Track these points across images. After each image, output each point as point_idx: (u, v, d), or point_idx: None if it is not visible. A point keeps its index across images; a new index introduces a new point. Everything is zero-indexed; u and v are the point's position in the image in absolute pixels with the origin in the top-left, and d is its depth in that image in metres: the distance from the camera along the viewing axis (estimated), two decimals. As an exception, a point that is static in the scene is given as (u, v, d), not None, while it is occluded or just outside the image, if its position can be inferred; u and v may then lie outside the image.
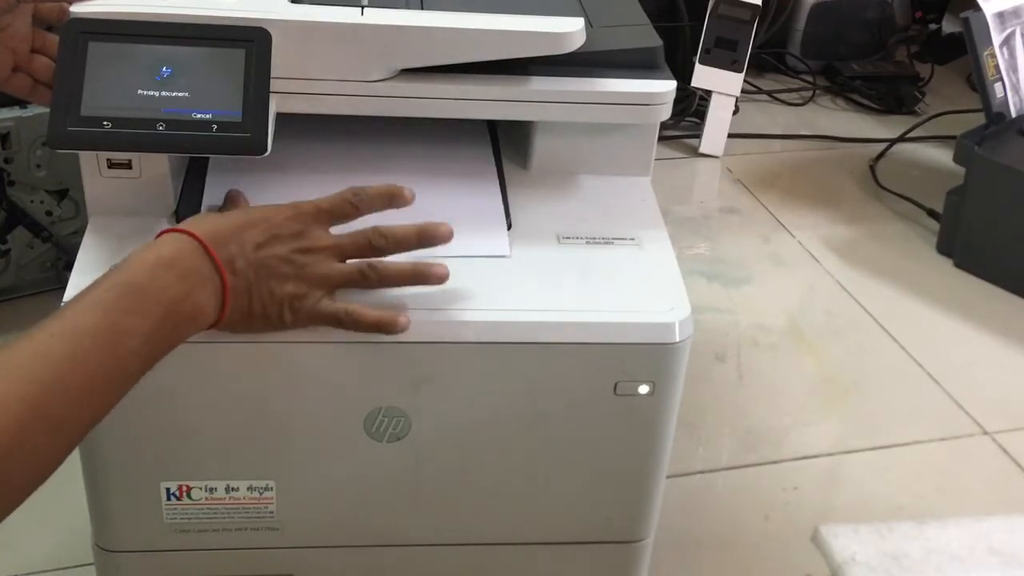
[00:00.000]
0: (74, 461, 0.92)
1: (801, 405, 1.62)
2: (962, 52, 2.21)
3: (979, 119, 1.97)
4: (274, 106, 0.89)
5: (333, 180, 0.91)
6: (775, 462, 1.50)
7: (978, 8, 1.93)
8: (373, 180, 0.93)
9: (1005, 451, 1.54)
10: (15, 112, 1.54)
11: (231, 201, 0.93)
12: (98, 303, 0.72)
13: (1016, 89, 1.98)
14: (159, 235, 0.80)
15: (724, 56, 2.27)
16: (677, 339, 0.90)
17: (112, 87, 0.86)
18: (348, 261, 0.86)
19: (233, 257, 0.80)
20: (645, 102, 0.97)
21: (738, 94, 2.31)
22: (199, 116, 0.86)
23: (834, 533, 1.00)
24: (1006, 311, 1.85)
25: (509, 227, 0.97)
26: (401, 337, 0.86)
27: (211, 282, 0.79)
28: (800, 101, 2.60)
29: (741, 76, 2.28)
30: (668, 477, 1.01)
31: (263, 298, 0.81)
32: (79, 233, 0.99)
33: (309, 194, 0.94)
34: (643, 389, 0.92)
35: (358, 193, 0.86)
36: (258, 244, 0.81)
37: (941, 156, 2.29)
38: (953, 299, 1.87)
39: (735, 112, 2.34)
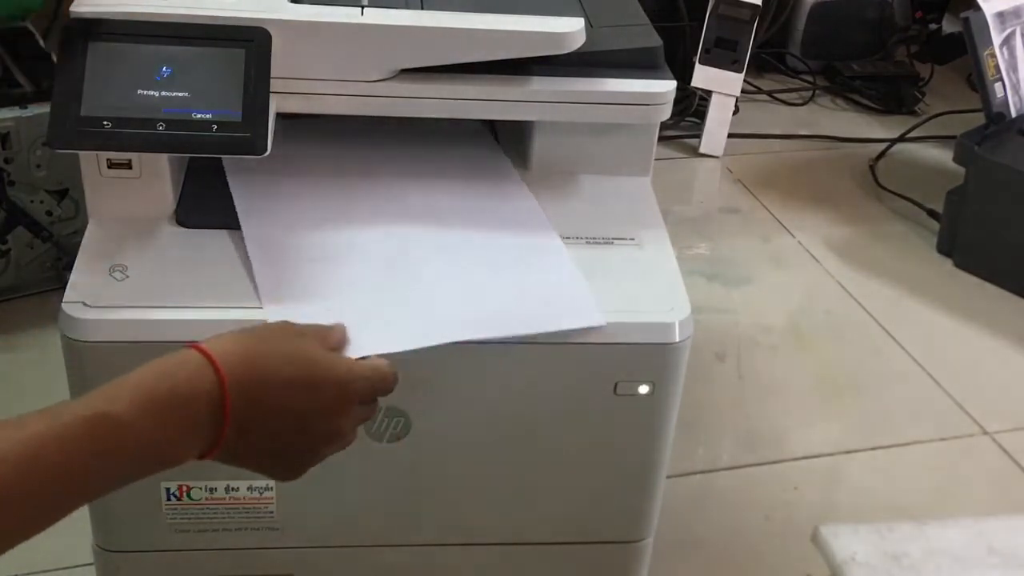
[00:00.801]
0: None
1: (801, 405, 1.62)
2: (962, 52, 2.21)
3: (979, 119, 1.97)
4: (274, 106, 0.89)
5: (356, 184, 0.95)
6: (775, 462, 1.50)
7: (978, 8, 1.93)
8: (397, 186, 0.98)
9: (1005, 451, 1.54)
10: (15, 112, 1.55)
11: (332, 336, 0.79)
12: (70, 432, 0.62)
13: (1016, 89, 1.98)
14: (192, 345, 0.69)
15: (724, 56, 2.27)
16: (677, 339, 0.90)
17: (112, 87, 0.86)
18: None
19: (251, 419, 0.69)
20: (645, 102, 0.97)
21: (738, 94, 2.31)
22: (199, 116, 0.86)
23: (834, 533, 0.99)
24: (1006, 311, 1.85)
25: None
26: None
27: (205, 437, 0.68)
28: (800, 101, 2.61)
29: (741, 76, 2.28)
30: (668, 477, 1.01)
31: (250, 456, 0.72)
32: (79, 233, 0.98)
33: (333, 197, 0.97)
34: (643, 389, 0.92)
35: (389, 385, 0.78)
36: (296, 415, 0.71)
37: (941, 156, 2.29)
38: (953, 299, 1.87)
39: (735, 112, 2.34)
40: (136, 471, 0.66)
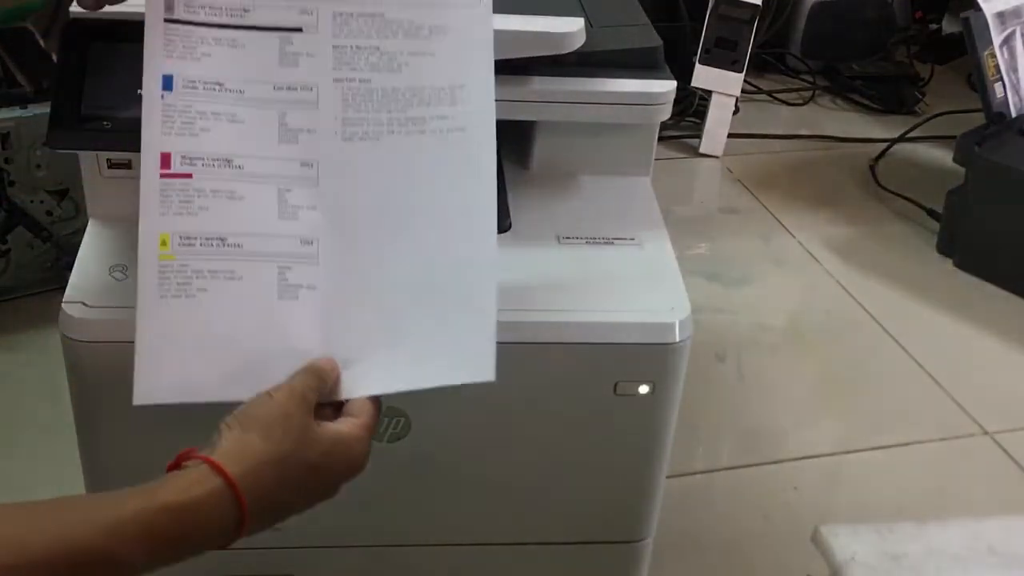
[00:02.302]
0: (74, 461, 0.93)
1: (801, 405, 1.62)
2: (962, 52, 2.21)
3: (979, 119, 1.97)
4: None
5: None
6: (775, 462, 1.50)
7: (978, 8, 1.93)
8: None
9: (1005, 451, 1.54)
10: (15, 112, 1.55)
11: (328, 387, 0.76)
12: (69, 567, 0.59)
13: (1016, 89, 1.98)
14: (215, 468, 0.66)
15: (724, 56, 2.27)
16: (677, 339, 0.90)
17: (112, 87, 0.86)
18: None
19: (267, 516, 0.70)
20: (645, 102, 0.97)
21: (738, 94, 2.31)
22: (199, 116, 0.85)
23: (834, 533, 0.99)
24: (1006, 311, 1.85)
25: (509, 228, 0.97)
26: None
27: (218, 546, 0.68)
28: (800, 101, 2.60)
29: (741, 76, 2.28)
30: (668, 477, 1.01)
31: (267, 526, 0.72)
32: (79, 233, 0.98)
33: None
34: (643, 389, 0.92)
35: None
36: (316, 495, 0.73)
37: (941, 156, 2.29)
38: (953, 299, 1.87)
39: (735, 112, 2.34)
40: None
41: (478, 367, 0.80)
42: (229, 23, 0.79)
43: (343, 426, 0.74)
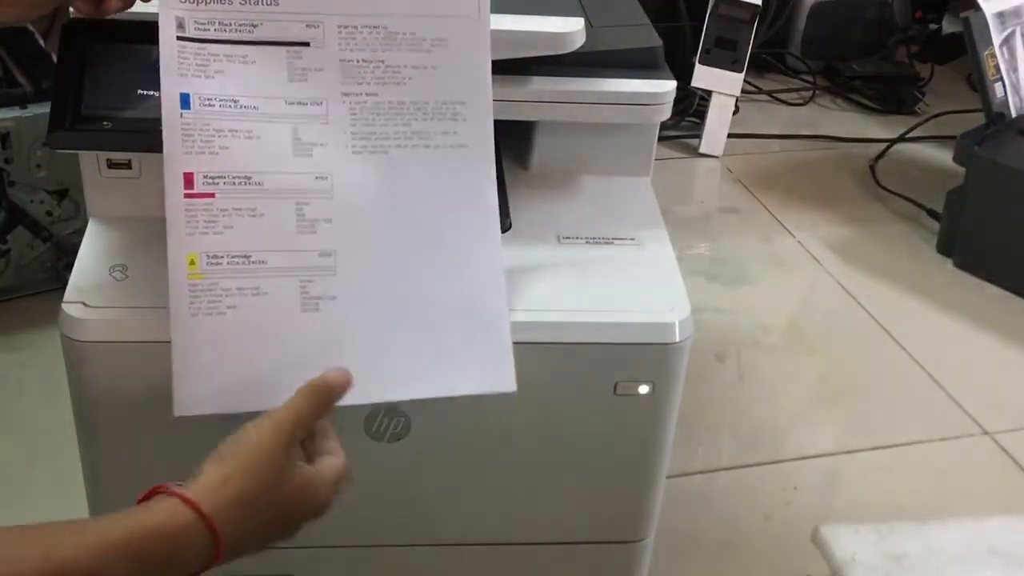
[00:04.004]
0: (74, 462, 0.93)
1: (801, 405, 1.62)
2: (962, 52, 2.21)
3: (979, 119, 1.97)
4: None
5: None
6: (775, 462, 1.50)
7: (978, 8, 1.93)
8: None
9: (1005, 451, 1.54)
10: (15, 112, 1.55)
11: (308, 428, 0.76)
12: None
13: (1016, 89, 1.98)
14: (188, 503, 0.69)
15: (724, 56, 2.27)
16: (677, 339, 0.90)
17: (112, 87, 0.86)
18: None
19: (238, 548, 0.72)
20: (645, 102, 0.97)
21: (738, 94, 2.31)
22: (199, 116, 0.86)
23: (834, 533, 0.99)
24: (1006, 311, 1.85)
25: (509, 228, 0.97)
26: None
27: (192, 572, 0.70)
28: (800, 101, 2.61)
29: (741, 76, 2.28)
30: (668, 477, 1.01)
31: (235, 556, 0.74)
32: (79, 233, 0.98)
33: None
34: (643, 389, 0.92)
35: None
36: (283, 526, 0.76)
37: (941, 156, 2.29)
38: (953, 299, 1.87)
39: (735, 112, 2.34)
40: None
41: (499, 378, 0.83)
42: (239, 39, 0.80)
43: (317, 469, 0.76)
